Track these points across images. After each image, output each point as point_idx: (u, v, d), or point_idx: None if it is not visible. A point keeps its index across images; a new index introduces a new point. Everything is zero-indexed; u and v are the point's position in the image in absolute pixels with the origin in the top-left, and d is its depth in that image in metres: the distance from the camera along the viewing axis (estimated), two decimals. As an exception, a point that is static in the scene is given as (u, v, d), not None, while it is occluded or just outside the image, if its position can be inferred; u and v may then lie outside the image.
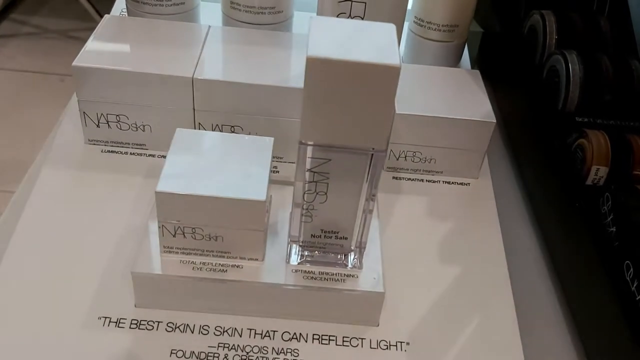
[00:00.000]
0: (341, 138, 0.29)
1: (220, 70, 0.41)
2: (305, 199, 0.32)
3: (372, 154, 0.30)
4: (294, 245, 0.35)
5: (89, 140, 0.42)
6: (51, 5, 0.91)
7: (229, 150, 0.35)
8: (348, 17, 0.37)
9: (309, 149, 0.30)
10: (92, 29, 0.51)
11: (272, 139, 0.36)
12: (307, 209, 0.32)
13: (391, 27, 0.30)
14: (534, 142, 0.52)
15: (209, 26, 0.45)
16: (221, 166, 0.34)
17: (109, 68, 0.39)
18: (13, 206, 0.39)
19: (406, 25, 0.49)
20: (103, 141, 0.42)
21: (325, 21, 0.30)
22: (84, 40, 0.41)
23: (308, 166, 0.31)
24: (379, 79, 0.27)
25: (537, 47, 0.57)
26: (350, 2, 0.36)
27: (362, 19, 0.37)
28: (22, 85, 0.69)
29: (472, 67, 0.66)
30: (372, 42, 0.29)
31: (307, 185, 0.31)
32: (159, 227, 0.33)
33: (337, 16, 0.37)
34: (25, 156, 0.50)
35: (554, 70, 0.53)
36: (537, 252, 0.46)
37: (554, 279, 0.44)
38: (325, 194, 0.32)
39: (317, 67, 0.27)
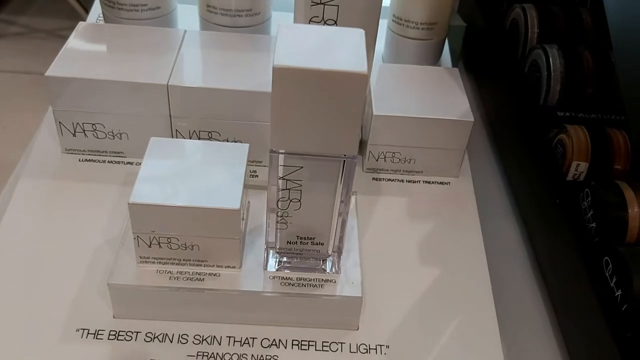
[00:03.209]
0: (312, 146, 0.29)
1: (196, 76, 0.40)
2: (279, 207, 0.32)
3: (344, 160, 0.30)
4: (271, 252, 0.35)
5: (66, 149, 0.42)
6: (39, 4, 0.90)
7: (203, 158, 0.35)
8: (321, 21, 0.36)
9: (281, 157, 0.30)
10: None
11: (247, 145, 0.36)
12: (281, 216, 0.32)
13: (360, 33, 0.30)
14: (516, 137, 0.52)
15: (185, 31, 0.45)
16: (195, 175, 0.33)
17: (82, 77, 0.39)
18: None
19: (385, 23, 0.49)
20: (80, 150, 0.42)
21: (293, 29, 0.29)
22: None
23: (280, 174, 0.30)
24: (347, 87, 0.27)
25: (519, 40, 0.57)
26: (322, 6, 0.36)
27: (335, 22, 0.36)
28: (11, 86, 0.69)
29: (456, 62, 0.66)
30: (341, 48, 0.28)
31: (280, 192, 0.31)
32: (134, 238, 0.33)
33: (310, 20, 0.37)
34: (15, 158, 0.49)
35: (535, 65, 0.53)
36: (521, 248, 0.46)
37: (537, 275, 0.44)
38: (299, 200, 0.32)
39: (284, 76, 0.27)
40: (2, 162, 0.43)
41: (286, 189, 0.31)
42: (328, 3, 0.36)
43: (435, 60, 0.50)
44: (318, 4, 0.36)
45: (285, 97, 0.28)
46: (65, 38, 0.74)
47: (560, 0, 0.59)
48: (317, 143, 0.29)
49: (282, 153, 0.30)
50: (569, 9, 0.57)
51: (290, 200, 0.32)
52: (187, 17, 0.50)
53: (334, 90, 0.27)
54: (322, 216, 0.32)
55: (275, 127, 0.29)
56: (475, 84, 0.64)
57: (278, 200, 0.32)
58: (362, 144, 0.44)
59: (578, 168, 0.45)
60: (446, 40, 0.51)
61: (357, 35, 0.29)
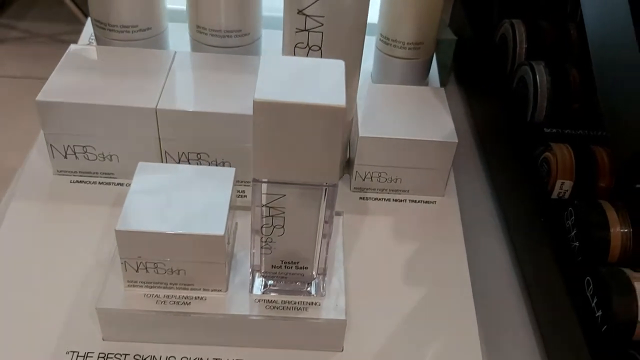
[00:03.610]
0: (293, 175, 0.30)
1: (184, 100, 0.41)
2: (263, 232, 0.33)
3: (326, 188, 0.31)
4: (257, 275, 0.35)
5: (58, 171, 0.43)
6: (38, 9, 0.90)
7: (190, 182, 0.35)
8: (306, 47, 0.37)
9: (264, 186, 0.31)
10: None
11: (234, 169, 0.37)
12: (265, 241, 0.33)
13: (340, 64, 0.30)
14: (503, 152, 0.53)
15: (175, 52, 0.45)
16: (182, 200, 0.34)
17: (72, 102, 0.39)
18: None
19: (374, 42, 0.50)
20: (71, 171, 0.43)
21: (274, 60, 0.30)
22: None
23: (263, 202, 0.31)
24: (326, 119, 0.28)
25: (508, 56, 0.58)
26: (307, 32, 0.37)
27: (320, 47, 0.37)
28: (11, 90, 0.69)
29: (447, 75, 0.66)
30: (320, 80, 0.29)
31: (264, 219, 0.32)
32: (122, 263, 0.34)
33: (295, 46, 0.37)
34: (16, 162, 0.50)
35: (522, 81, 0.53)
36: (508, 265, 0.46)
37: (523, 293, 0.44)
38: (283, 227, 0.32)
39: (264, 110, 0.28)
40: (3, 167, 0.44)
41: (269, 215, 0.32)
42: (312, 30, 0.36)
43: (422, 78, 0.50)
44: (303, 30, 0.37)
45: (266, 129, 0.28)
46: (65, 42, 0.75)
47: (549, 16, 0.60)
48: (298, 172, 0.30)
49: (264, 182, 0.30)
50: (558, 24, 0.58)
51: (274, 227, 0.32)
52: (179, 36, 0.50)
53: (313, 122, 0.28)
54: (305, 241, 0.33)
55: (257, 157, 0.30)
56: (466, 96, 0.65)
57: (262, 227, 0.32)
58: (349, 164, 0.45)
59: (563, 186, 0.45)
60: (433, 59, 0.52)
61: (337, 66, 0.30)
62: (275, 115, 0.28)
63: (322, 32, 0.37)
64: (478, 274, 0.44)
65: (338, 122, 0.28)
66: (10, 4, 0.85)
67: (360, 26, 0.38)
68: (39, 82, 0.72)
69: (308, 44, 0.37)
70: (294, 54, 0.38)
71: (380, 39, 0.49)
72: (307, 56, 0.38)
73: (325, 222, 0.32)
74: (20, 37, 0.80)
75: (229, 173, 0.36)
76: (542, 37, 0.57)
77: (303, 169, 0.30)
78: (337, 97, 0.28)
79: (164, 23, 0.49)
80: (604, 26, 0.40)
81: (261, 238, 0.33)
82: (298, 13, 0.36)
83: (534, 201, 0.45)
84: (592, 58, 0.40)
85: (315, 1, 0.36)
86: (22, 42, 0.80)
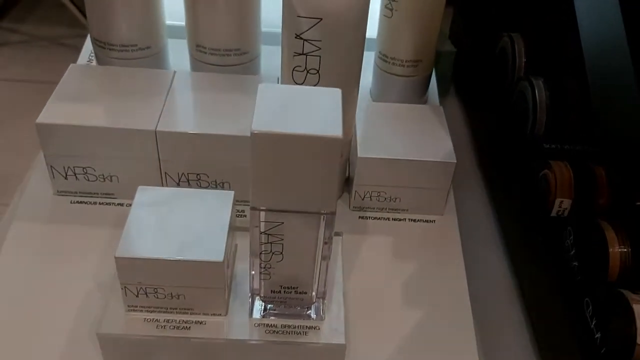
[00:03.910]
0: (291, 203, 0.30)
1: (183, 121, 0.41)
2: (262, 259, 0.33)
3: (324, 216, 0.31)
4: (257, 298, 0.35)
5: (58, 191, 0.43)
6: (40, 12, 0.91)
7: (189, 207, 0.36)
8: (304, 70, 0.37)
9: (262, 214, 0.31)
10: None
11: (232, 192, 0.37)
12: (264, 267, 0.33)
13: (336, 93, 0.30)
14: (503, 168, 0.53)
15: (174, 72, 0.46)
16: (181, 225, 0.34)
17: (72, 124, 0.40)
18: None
19: (373, 59, 0.50)
20: (72, 192, 0.43)
21: (271, 90, 0.30)
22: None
23: (262, 229, 0.31)
24: (322, 149, 0.28)
25: (507, 70, 0.58)
26: (304, 56, 0.37)
27: (318, 71, 0.37)
28: (14, 94, 0.70)
29: (447, 87, 0.66)
30: (317, 110, 0.29)
31: (262, 246, 0.32)
32: (122, 288, 0.34)
33: (294, 69, 0.37)
34: (19, 167, 0.50)
35: (522, 96, 0.54)
36: (508, 284, 0.46)
37: (523, 312, 0.44)
38: (281, 253, 0.32)
39: (261, 141, 0.28)
40: (6, 171, 0.44)
41: (268, 242, 0.32)
42: (310, 54, 0.37)
43: (421, 94, 0.50)
44: (300, 54, 0.37)
45: (264, 159, 0.29)
46: (66, 46, 0.75)
47: (549, 28, 0.60)
48: (296, 200, 0.30)
49: (263, 210, 0.30)
50: (558, 37, 0.58)
51: (272, 253, 0.32)
52: (178, 53, 0.50)
53: (310, 152, 0.28)
54: (304, 267, 0.33)
55: (255, 186, 0.30)
56: (465, 108, 0.65)
57: (260, 253, 0.32)
58: (349, 182, 0.45)
59: (562, 204, 0.45)
60: (432, 75, 0.52)
61: (333, 95, 0.30)
62: (272, 146, 0.28)
63: (320, 56, 0.37)
64: (479, 293, 0.45)
65: (335, 152, 0.28)
66: (12, 7, 0.85)
67: (358, 49, 0.38)
68: (41, 85, 0.72)
69: (306, 67, 0.37)
70: (292, 77, 0.38)
71: (379, 56, 0.49)
72: (305, 79, 0.38)
73: (325, 244, 0.33)
74: (22, 40, 0.81)
75: (227, 196, 0.36)
76: (541, 51, 0.57)
77: (301, 197, 0.30)
78: (333, 128, 0.28)
79: (164, 41, 0.49)
80: (600, 44, 0.40)
81: (260, 264, 0.33)
82: (296, 38, 0.36)
83: (533, 219, 0.45)
84: (589, 77, 0.40)
85: (313, 26, 0.36)
86: (23, 45, 0.80)
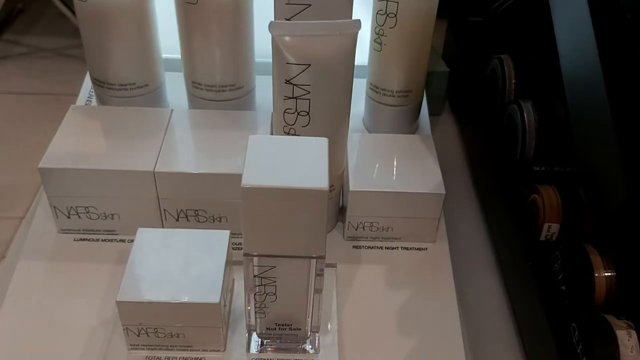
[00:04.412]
0: (282, 249, 0.32)
1: (181, 161, 0.43)
2: (256, 299, 0.34)
3: (314, 259, 0.32)
4: (253, 334, 0.37)
5: (62, 229, 0.45)
6: (42, 24, 0.92)
7: (186, 248, 0.37)
8: (294, 112, 0.39)
9: (255, 259, 0.32)
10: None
11: (228, 232, 0.38)
12: (259, 307, 0.35)
13: (323, 142, 0.32)
14: (494, 192, 0.54)
15: (171, 110, 0.47)
16: (178, 267, 0.36)
17: (73, 168, 0.41)
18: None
19: (365, 90, 0.51)
20: (75, 230, 0.45)
21: (260, 141, 0.32)
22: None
23: (255, 273, 0.33)
24: (309, 200, 0.30)
25: (497, 92, 0.59)
26: (295, 99, 0.38)
27: (308, 112, 0.39)
28: (18, 106, 0.71)
29: (442, 105, 0.68)
30: (304, 161, 0.31)
31: (257, 288, 0.34)
32: (124, 329, 0.35)
33: (284, 111, 0.39)
34: (25, 179, 0.52)
35: (511, 120, 0.55)
36: (502, 307, 0.48)
37: (516, 336, 0.46)
38: (275, 294, 0.34)
39: (251, 194, 0.29)
40: (10, 183, 0.46)
41: (262, 284, 0.33)
42: (300, 97, 0.38)
43: (412, 121, 0.52)
44: (291, 97, 0.38)
45: (254, 210, 0.30)
46: (69, 56, 0.77)
47: (537, 50, 0.61)
48: (286, 246, 0.32)
49: (255, 255, 0.32)
50: (547, 59, 0.59)
51: (266, 294, 0.34)
52: (176, 87, 0.52)
53: (297, 203, 0.30)
54: (297, 307, 0.35)
55: (247, 234, 0.31)
56: (459, 127, 0.66)
57: (255, 294, 0.34)
58: (342, 213, 0.46)
59: (550, 229, 0.46)
60: (423, 102, 0.53)
61: (320, 145, 0.32)
62: (262, 198, 0.30)
63: (309, 99, 0.38)
64: (473, 315, 0.46)
65: (321, 202, 0.30)
66: (14, 20, 0.87)
67: (345, 91, 0.40)
68: (45, 97, 0.74)
69: (296, 109, 0.39)
70: (284, 119, 0.39)
71: (370, 87, 0.50)
72: (295, 120, 0.39)
73: (316, 285, 0.34)
74: (25, 52, 0.82)
75: (223, 236, 0.38)
76: (531, 73, 0.58)
77: (291, 243, 0.31)
78: (319, 180, 0.30)
79: (161, 78, 0.51)
80: (577, 63, 0.41)
81: (254, 304, 0.34)
82: (286, 83, 0.38)
83: (523, 243, 0.47)
84: (567, 95, 0.41)
85: (302, 72, 0.37)
86: (27, 57, 0.82)
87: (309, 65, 0.37)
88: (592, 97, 0.36)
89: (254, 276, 0.33)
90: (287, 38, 0.37)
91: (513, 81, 0.58)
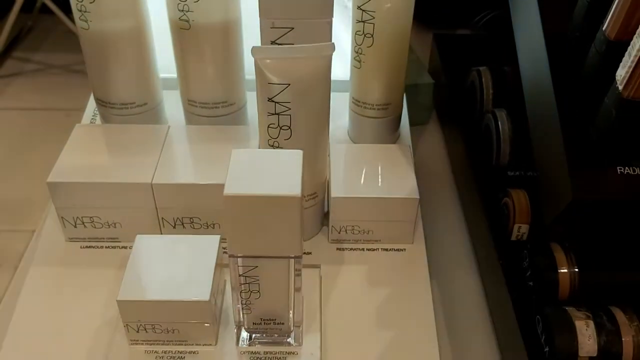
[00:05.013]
0: (263, 250, 0.36)
1: (176, 173, 0.47)
2: (242, 297, 0.38)
3: (292, 259, 0.36)
4: (242, 329, 0.41)
5: (69, 238, 0.49)
6: (51, 41, 0.95)
7: (180, 252, 0.41)
8: (277, 127, 0.43)
9: (239, 260, 0.36)
10: None
11: (218, 237, 0.42)
12: (245, 304, 0.38)
13: (298, 154, 0.36)
14: (472, 195, 0.58)
15: (168, 126, 0.51)
16: (173, 269, 0.40)
17: (78, 182, 0.45)
18: (5, 306, 0.46)
19: (349, 103, 0.55)
20: (81, 238, 0.49)
21: (242, 154, 0.36)
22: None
23: (240, 272, 0.37)
24: (284, 206, 0.33)
25: (476, 102, 0.63)
26: (277, 115, 0.42)
27: (289, 127, 0.42)
28: (30, 122, 0.74)
29: (428, 115, 0.71)
30: (281, 172, 0.34)
31: (242, 286, 0.37)
32: (125, 326, 0.39)
33: (268, 126, 0.43)
34: (38, 194, 0.55)
35: (487, 128, 0.58)
36: (479, 302, 0.51)
37: (494, 331, 0.49)
38: (258, 291, 0.38)
39: (233, 202, 0.33)
40: (24, 197, 0.49)
41: (246, 283, 0.37)
42: (282, 113, 0.42)
43: (394, 131, 0.56)
44: (273, 114, 0.42)
45: (236, 216, 0.34)
46: (79, 72, 0.80)
47: (511, 61, 0.65)
48: (266, 247, 0.35)
49: (239, 257, 0.36)
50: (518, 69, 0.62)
51: (251, 292, 0.38)
52: (173, 104, 0.56)
53: (274, 208, 0.33)
54: (279, 302, 0.38)
55: (231, 237, 0.35)
56: (444, 135, 0.70)
57: (240, 292, 0.38)
58: (327, 217, 0.50)
59: (520, 229, 0.50)
60: (404, 111, 0.57)
61: (295, 157, 0.35)
62: (242, 205, 0.33)
63: (290, 115, 0.42)
64: (452, 309, 0.50)
65: (295, 207, 0.33)
66: (25, 37, 0.91)
67: (324, 106, 0.43)
68: (56, 112, 0.77)
69: (279, 124, 0.43)
70: (268, 133, 0.43)
71: (352, 101, 0.54)
72: (279, 134, 0.43)
73: (296, 274, 0.38)
74: (36, 69, 0.86)
75: (214, 241, 0.42)
76: (506, 84, 0.62)
77: (270, 244, 0.35)
78: (293, 187, 0.33)
79: (159, 96, 0.55)
80: (535, 76, 0.44)
81: (241, 301, 0.38)
82: (268, 100, 0.42)
83: (497, 243, 0.50)
84: (527, 107, 0.44)
85: (282, 91, 0.41)
86: (37, 74, 0.85)
87: (289, 84, 0.41)
88: (545, 108, 0.40)
89: (239, 275, 0.37)
90: (268, 61, 0.41)
91: (491, 91, 0.62)
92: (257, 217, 0.34)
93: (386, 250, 0.49)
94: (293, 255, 0.36)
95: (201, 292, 0.38)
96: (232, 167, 0.35)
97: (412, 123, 0.67)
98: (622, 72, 0.33)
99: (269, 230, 0.34)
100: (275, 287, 0.37)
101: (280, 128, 0.43)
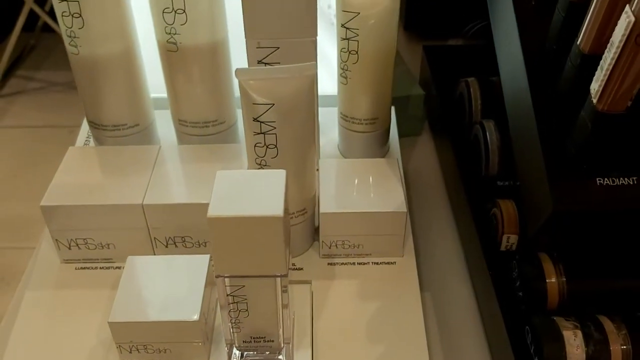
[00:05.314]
0: (249, 269, 0.36)
1: (166, 193, 0.47)
2: (231, 315, 0.39)
3: (278, 277, 0.37)
4: (234, 347, 0.41)
5: (64, 260, 0.49)
6: (54, 59, 0.97)
7: (171, 273, 0.42)
8: (263, 146, 0.43)
9: (226, 280, 0.37)
10: None
11: (208, 256, 0.43)
12: (234, 322, 0.39)
13: (281, 174, 0.36)
14: (463, 206, 0.58)
15: (159, 147, 0.52)
16: (163, 290, 0.40)
17: (71, 204, 0.46)
18: (5, 323, 0.47)
19: (337, 118, 0.56)
20: (76, 259, 0.49)
21: (227, 176, 0.36)
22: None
23: (227, 292, 0.37)
24: (267, 226, 0.34)
25: (465, 113, 0.63)
26: (263, 134, 0.43)
27: (275, 145, 0.43)
28: (33, 140, 0.75)
29: (420, 126, 0.72)
30: (263, 192, 0.35)
31: (230, 305, 0.38)
32: (117, 347, 0.40)
33: (255, 145, 0.43)
34: (39, 212, 0.55)
35: (476, 139, 0.59)
36: (473, 312, 0.51)
37: (485, 336, 0.49)
38: (247, 310, 0.38)
39: (217, 223, 0.34)
40: (27, 213, 0.50)
41: (234, 302, 0.38)
42: (267, 133, 0.43)
43: (383, 144, 0.56)
44: (259, 133, 0.43)
45: (221, 236, 0.35)
46: None
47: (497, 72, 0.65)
48: (252, 267, 0.36)
49: (226, 277, 0.36)
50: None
51: (239, 311, 0.38)
52: (165, 123, 0.56)
53: (257, 229, 0.34)
54: (268, 320, 0.39)
55: (217, 258, 0.36)
56: (436, 146, 0.70)
57: (229, 311, 0.38)
58: (318, 232, 0.51)
59: (509, 240, 0.50)
60: (393, 124, 0.57)
61: (278, 177, 0.36)
62: (226, 227, 0.34)
63: (276, 134, 0.43)
64: (445, 319, 0.50)
65: (277, 227, 0.34)
66: (28, 55, 0.92)
67: (309, 124, 0.44)
68: (59, 129, 0.78)
69: (265, 143, 0.43)
70: (255, 151, 0.44)
71: (340, 116, 0.55)
72: (265, 153, 0.44)
73: (283, 291, 0.38)
74: (39, 87, 0.87)
75: (203, 260, 0.42)
76: (495, 94, 0.62)
77: (255, 264, 0.36)
78: (275, 208, 0.34)
79: (151, 117, 0.56)
80: (515, 89, 0.45)
81: (230, 319, 0.39)
82: (254, 120, 0.42)
83: (487, 253, 0.51)
84: (509, 118, 0.45)
85: (267, 110, 0.42)
86: (40, 91, 0.86)
87: (273, 104, 0.42)
88: (524, 121, 0.40)
89: (227, 295, 0.37)
90: (252, 82, 0.42)
91: (479, 102, 0.62)
92: (242, 238, 0.34)
93: (377, 263, 0.50)
94: (279, 274, 0.36)
95: (191, 312, 0.39)
96: (216, 188, 0.35)
97: (405, 134, 0.68)
98: (595, 86, 0.34)
99: (254, 250, 0.35)
100: (263, 306, 0.38)
101: (267, 147, 0.43)
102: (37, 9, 0.79)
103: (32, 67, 0.90)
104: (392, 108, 0.57)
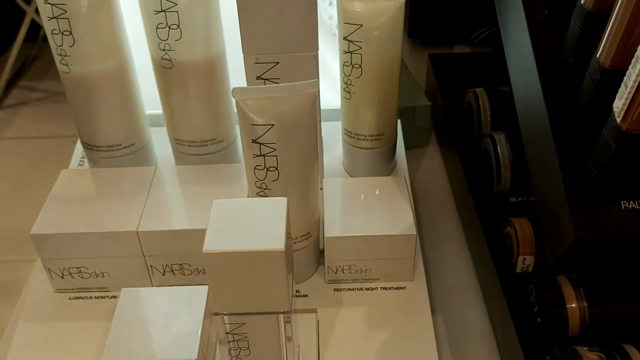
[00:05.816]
0: (250, 306, 0.34)
1: (162, 219, 0.45)
2: (232, 354, 0.36)
3: (281, 314, 0.34)
4: (235, 384, 0.39)
5: (57, 289, 0.47)
6: (56, 69, 0.96)
7: (167, 306, 0.39)
8: (264, 168, 0.41)
9: (225, 317, 0.34)
10: None
11: (207, 287, 0.40)
12: (235, 360, 0.37)
13: (282, 203, 0.34)
14: (474, 224, 0.55)
15: (155, 168, 0.50)
16: (159, 325, 0.38)
17: (63, 232, 0.44)
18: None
19: (341, 134, 0.53)
20: (69, 289, 0.47)
21: (224, 205, 0.34)
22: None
23: (227, 330, 0.35)
24: (268, 261, 0.32)
25: (474, 125, 0.61)
26: (263, 157, 0.41)
27: (276, 168, 0.41)
28: (37, 151, 0.74)
29: (427, 137, 0.69)
30: (263, 223, 0.33)
31: (230, 343, 0.36)
32: (111, 387, 0.37)
33: (255, 168, 0.41)
34: None
35: (486, 152, 0.56)
36: (487, 337, 0.49)
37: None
38: (248, 348, 0.36)
39: (213, 259, 0.32)
40: (30, 226, 0.48)
41: (234, 340, 0.35)
42: (267, 155, 0.40)
43: (389, 161, 0.54)
44: (259, 155, 0.40)
45: (218, 272, 0.32)
46: None
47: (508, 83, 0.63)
48: (252, 304, 0.34)
49: (225, 314, 0.34)
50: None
51: (240, 349, 0.36)
52: (161, 141, 0.54)
53: (257, 263, 0.32)
54: (272, 358, 0.36)
55: (214, 294, 0.33)
56: (443, 159, 0.68)
57: (229, 350, 0.36)
58: (323, 255, 0.48)
59: (525, 261, 0.48)
60: (399, 139, 0.55)
61: (279, 205, 0.34)
62: (224, 262, 0.32)
63: (277, 156, 0.40)
64: (459, 346, 0.47)
65: (279, 261, 0.32)
66: (30, 66, 0.91)
67: (311, 145, 0.42)
68: (63, 140, 0.76)
69: (265, 165, 0.41)
70: (255, 175, 0.42)
71: (344, 132, 0.52)
72: (265, 176, 0.41)
73: (286, 322, 0.36)
74: (42, 97, 0.85)
75: (202, 292, 0.40)
76: (505, 105, 0.60)
77: (255, 300, 0.33)
78: (276, 241, 0.32)
79: (146, 137, 0.53)
80: (528, 99, 0.42)
81: (230, 358, 0.36)
82: (253, 142, 0.40)
83: (500, 277, 0.48)
84: (522, 129, 0.43)
85: (267, 131, 0.39)
86: (43, 102, 0.85)
87: (273, 124, 0.39)
88: (541, 140, 0.38)
89: (226, 333, 0.35)
90: (249, 101, 0.39)
91: (488, 114, 0.60)
92: (240, 273, 0.32)
93: (385, 289, 0.47)
94: (282, 310, 0.34)
95: (189, 349, 0.36)
96: (213, 220, 0.33)
97: (411, 146, 0.65)
98: (619, 104, 0.31)
99: (254, 285, 0.33)
100: (266, 343, 0.36)
101: (267, 169, 0.41)
102: (38, 20, 0.77)
103: (35, 77, 0.88)
104: (399, 121, 0.55)
